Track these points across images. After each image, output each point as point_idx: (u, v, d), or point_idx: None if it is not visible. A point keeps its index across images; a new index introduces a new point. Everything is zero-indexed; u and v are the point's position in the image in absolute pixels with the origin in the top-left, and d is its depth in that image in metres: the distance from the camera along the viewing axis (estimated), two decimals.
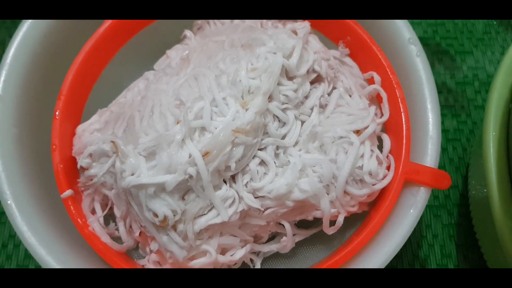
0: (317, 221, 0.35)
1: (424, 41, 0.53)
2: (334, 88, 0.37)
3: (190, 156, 0.28)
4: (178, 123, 0.30)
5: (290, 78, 0.33)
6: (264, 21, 0.39)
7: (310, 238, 0.36)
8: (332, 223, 0.33)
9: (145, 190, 0.28)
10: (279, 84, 0.32)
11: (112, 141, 0.30)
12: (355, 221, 0.36)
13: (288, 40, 0.33)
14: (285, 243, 0.33)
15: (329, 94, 0.36)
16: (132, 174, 0.29)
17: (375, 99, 0.37)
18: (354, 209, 0.32)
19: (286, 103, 0.32)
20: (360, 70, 0.38)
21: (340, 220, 0.31)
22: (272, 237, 0.36)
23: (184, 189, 0.29)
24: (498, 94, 0.31)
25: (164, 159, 0.28)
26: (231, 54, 0.33)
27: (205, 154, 0.28)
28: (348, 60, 0.38)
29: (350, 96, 0.36)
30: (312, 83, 0.36)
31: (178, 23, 0.41)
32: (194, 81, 0.32)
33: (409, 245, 0.45)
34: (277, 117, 0.32)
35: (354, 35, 0.37)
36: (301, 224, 0.36)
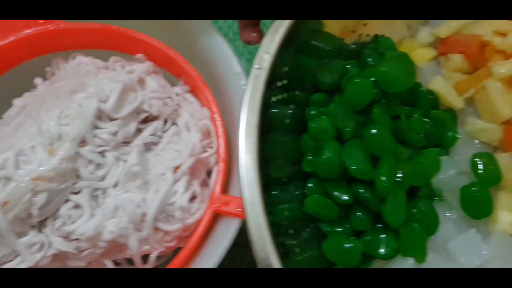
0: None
1: None
2: (174, 124, 0.38)
3: None
4: None
5: (113, 120, 0.35)
6: (112, 62, 0.41)
7: None
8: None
9: None
10: (96, 127, 0.34)
11: None
12: None
13: (107, 85, 0.34)
14: None
15: (166, 131, 0.37)
16: None
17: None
18: (172, 244, 0.33)
19: (105, 145, 0.34)
20: (200, 105, 0.39)
21: (152, 256, 0.32)
22: None
23: None
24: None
25: None
26: (53, 102, 0.34)
27: (4, 204, 0.29)
28: (189, 96, 0.39)
29: (189, 131, 0.38)
30: (148, 121, 0.38)
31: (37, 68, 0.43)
32: (15, 131, 0.34)
33: None
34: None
35: (185, 74, 0.38)
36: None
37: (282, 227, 0.32)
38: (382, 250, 0.33)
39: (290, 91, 0.35)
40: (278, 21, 0.31)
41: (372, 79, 0.35)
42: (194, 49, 0.39)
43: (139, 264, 0.33)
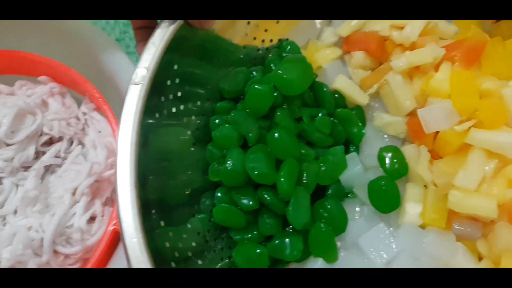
0: None
1: None
2: (80, 143, 0.38)
3: None
4: None
5: (9, 145, 0.34)
6: (17, 86, 0.40)
7: None
8: None
9: None
10: None
11: None
12: None
13: (0, 111, 0.34)
14: None
15: (71, 152, 0.37)
16: None
17: None
18: (76, 266, 0.33)
19: (0, 172, 0.33)
20: (108, 123, 0.39)
21: None
22: None
23: None
24: None
25: None
26: None
27: None
28: (95, 114, 0.39)
29: (96, 149, 0.37)
30: (53, 143, 0.37)
31: None
32: None
33: None
34: None
35: (88, 93, 0.38)
36: None
37: (184, 244, 0.31)
38: (287, 253, 0.33)
39: (190, 102, 0.35)
40: (156, 34, 0.31)
41: (272, 84, 0.36)
42: (100, 66, 0.39)
43: None
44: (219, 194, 0.35)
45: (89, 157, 0.36)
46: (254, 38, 0.40)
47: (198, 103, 0.36)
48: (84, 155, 0.37)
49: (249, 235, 0.35)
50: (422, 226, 0.35)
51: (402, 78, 0.38)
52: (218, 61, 0.38)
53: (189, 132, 0.35)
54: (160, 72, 0.31)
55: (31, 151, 0.35)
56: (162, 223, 0.29)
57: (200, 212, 0.35)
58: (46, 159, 0.35)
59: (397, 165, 0.36)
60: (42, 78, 0.38)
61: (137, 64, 0.30)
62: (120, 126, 0.28)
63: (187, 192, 0.34)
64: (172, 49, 0.32)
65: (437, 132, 0.35)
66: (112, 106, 0.38)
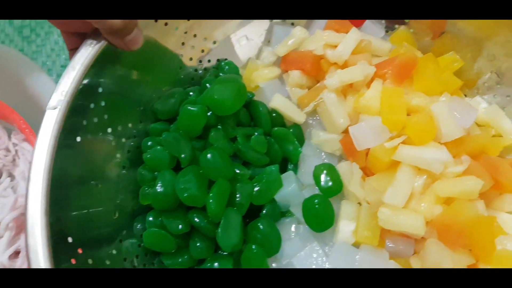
0: None
1: None
2: (10, 175, 0.37)
3: None
4: None
5: None
6: None
7: None
8: None
9: None
10: None
11: None
12: None
13: None
14: None
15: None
16: None
17: None
18: None
19: None
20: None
21: None
22: None
23: None
24: None
25: None
26: None
27: None
28: (26, 144, 0.39)
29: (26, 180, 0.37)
30: None
31: None
32: None
33: None
34: None
35: (15, 123, 0.38)
36: None
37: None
38: None
39: (120, 124, 0.35)
40: (77, 57, 0.30)
41: (205, 104, 0.36)
42: (26, 92, 0.38)
43: None
44: (150, 218, 0.35)
45: (19, 189, 0.36)
46: (191, 59, 0.40)
47: (130, 125, 0.36)
48: (13, 187, 0.36)
49: (180, 260, 0.34)
50: (356, 244, 0.34)
51: (336, 96, 0.38)
52: (153, 81, 0.38)
53: (118, 155, 0.35)
54: (80, 96, 0.30)
55: None
56: (79, 251, 0.29)
57: (131, 237, 0.35)
58: None
59: (331, 182, 0.36)
60: None
61: (55, 89, 0.29)
62: (34, 151, 0.27)
63: (114, 217, 0.33)
64: (95, 72, 0.31)
65: (369, 149, 0.35)
66: None
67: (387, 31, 0.43)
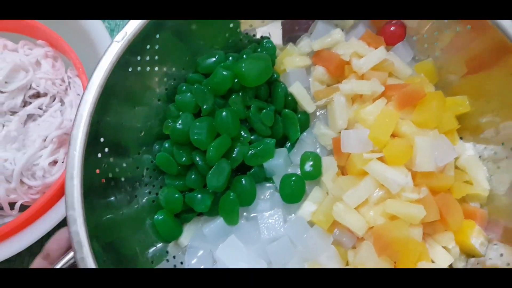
0: None
1: None
2: (61, 101, 0.48)
3: None
4: None
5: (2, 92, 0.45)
6: (21, 44, 0.50)
7: None
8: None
9: None
10: None
11: None
12: None
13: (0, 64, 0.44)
14: None
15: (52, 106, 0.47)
16: None
17: None
18: (36, 197, 0.43)
19: None
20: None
21: (17, 205, 0.43)
22: None
23: None
24: None
25: None
26: None
27: None
28: (77, 79, 0.49)
29: (72, 108, 0.47)
30: (39, 96, 0.48)
31: None
32: None
33: None
34: None
35: (73, 61, 0.47)
36: None
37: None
38: (197, 204, 0.41)
39: (165, 66, 0.43)
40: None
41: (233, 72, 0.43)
42: (85, 36, 0.48)
43: (7, 210, 0.43)
44: (166, 145, 0.44)
45: (66, 114, 0.46)
46: (239, 30, 0.47)
47: (173, 69, 0.44)
48: (62, 111, 0.46)
49: (176, 183, 0.44)
50: (311, 223, 0.42)
51: (345, 100, 0.43)
52: (205, 39, 0.45)
53: (157, 90, 0.44)
54: (140, 37, 0.39)
55: (19, 100, 0.44)
56: (106, 150, 0.39)
57: (148, 153, 0.45)
58: (30, 108, 0.45)
59: (312, 168, 0.42)
60: (40, 42, 0.48)
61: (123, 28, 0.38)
62: (96, 68, 0.37)
63: (140, 135, 0.43)
64: (155, 22, 0.40)
65: (350, 154, 0.41)
66: None
67: (415, 58, 0.46)
